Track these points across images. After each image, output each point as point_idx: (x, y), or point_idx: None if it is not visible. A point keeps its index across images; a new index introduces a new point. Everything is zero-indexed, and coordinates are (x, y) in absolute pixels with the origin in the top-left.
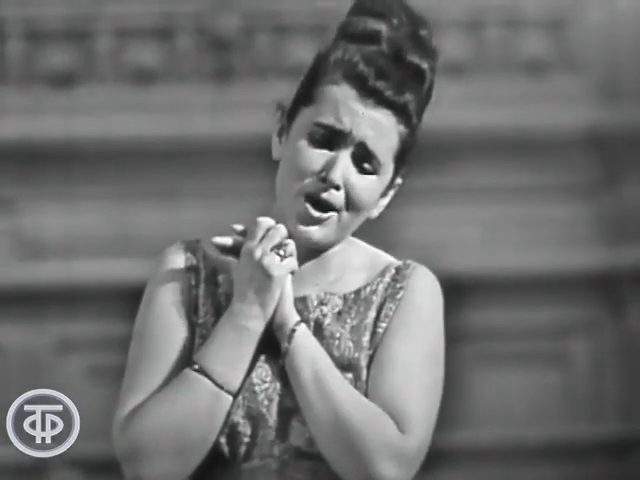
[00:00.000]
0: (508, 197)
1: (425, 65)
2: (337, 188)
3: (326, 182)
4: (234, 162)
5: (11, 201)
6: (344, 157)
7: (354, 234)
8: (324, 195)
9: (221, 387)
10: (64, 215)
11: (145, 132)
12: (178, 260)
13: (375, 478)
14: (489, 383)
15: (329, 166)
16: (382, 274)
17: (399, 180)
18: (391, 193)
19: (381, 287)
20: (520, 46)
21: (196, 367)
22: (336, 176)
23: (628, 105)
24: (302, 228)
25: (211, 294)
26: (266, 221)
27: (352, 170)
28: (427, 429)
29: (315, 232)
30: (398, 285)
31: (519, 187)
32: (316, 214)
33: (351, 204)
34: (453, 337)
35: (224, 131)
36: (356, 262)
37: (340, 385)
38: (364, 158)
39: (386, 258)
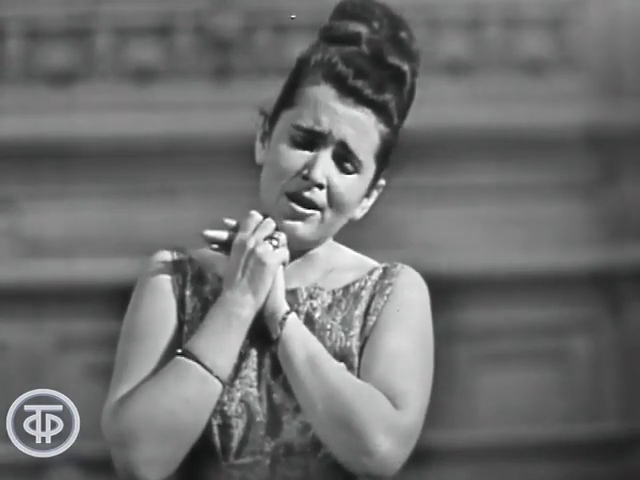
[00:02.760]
0: (508, 196)
1: (405, 67)
2: (320, 187)
3: (308, 180)
4: (233, 160)
5: (10, 200)
6: (325, 156)
7: (343, 238)
8: (307, 194)
9: (210, 371)
10: (63, 214)
11: (144, 130)
12: (165, 262)
13: (370, 451)
14: (489, 382)
15: (310, 165)
16: (370, 273)
17: (382, 181)
18: (374, 194)
19: (369, 284)
20: (520, 45)
21: (186, 353)
22: (317, 174)
23: (628, 104)
24: (287, 223)
25: (198, 292)
26: (258, 214)
27: (333, 169)
28: (421, 407)
29: (299, 227)
30: (386, 281)
31: (518, 186)
32: (299, 210)
33: (334, 203)
34: (453, 336)
35: (223, 130)
36: (343, 264)
37: (333, 366)
38: (345, 157)
39: (372, 261)
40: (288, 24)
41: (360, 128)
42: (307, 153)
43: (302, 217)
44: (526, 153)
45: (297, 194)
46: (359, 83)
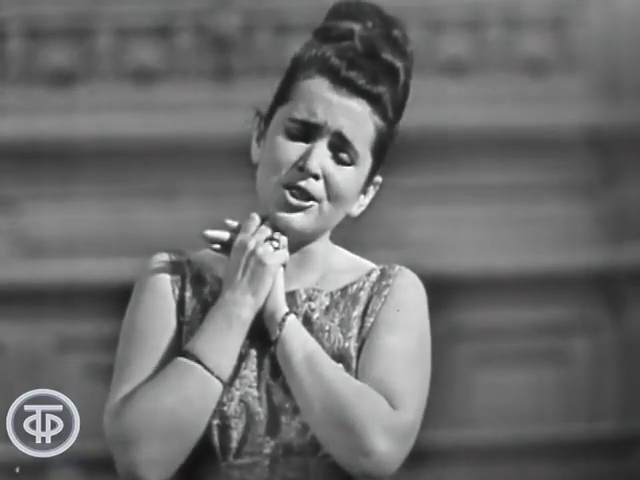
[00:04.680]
0: (508, 196)
1: (398, 64)
2: (316, 177)
3: (304, 171)
4: (234, 161)
5: (11, 200)
6: (320, 147)
7: (342, 237)
8: (302, 183)
9: (211, 372)
10: (64, 214)
11: (145, 131)
12: (164, 264)
13: (368, 452)
14: (489, 382)
15: (306, 156)
16: (368, 275)
17: (379, 178)
18: (371, 190)
19: (367, 285)
20: (521, 46)
21: (187, 354)
22: (313, 164)
23: (628, 104)
24: (283, 215)
25: (198, 294)
26: (259, 216)
27: (329, 160)
28: (418, 407)
29: (296, 219)
30: (384, 283)
31: (519, 186)
32: (295, 202)
33: (331, 195)
34: (453, 336)
35: (224, 130)
36: (340, 265)
37: (331, 367)
38: (341, 147)
39: (369, 263)
40: (288, 24)
41: (355, 118)
42: (303, 145)
43: (298, 209)
44: (526, 153)
45: (293, 185)
46: (352, 74)
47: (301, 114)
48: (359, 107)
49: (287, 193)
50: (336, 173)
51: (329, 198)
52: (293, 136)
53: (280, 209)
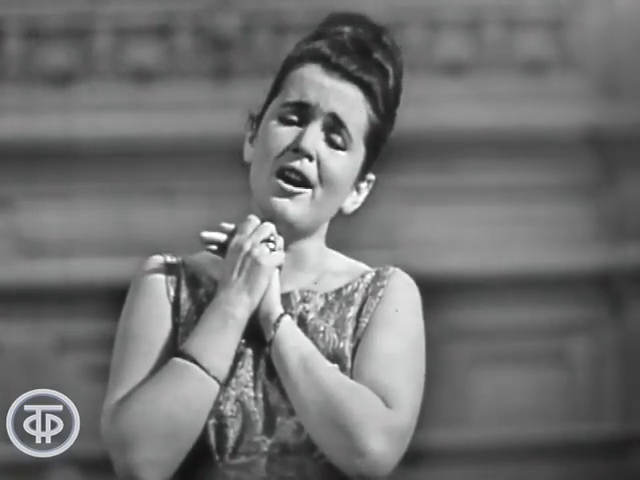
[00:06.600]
0: (507, 196)
1: (388, 66)
2: (309, 158)
3: (298, 152)
4: (233, 161)
5: (9, 200)
6: (314, 128)
7: (341, 237)
8: (296, 164)
9: (207, 372)
10: (62, 214)
11: (144, 131)
12: (158, 266)
13: (363, 452)
14: (488, 382)
15: (300, 137)
16: (362, 276)
17: (372, 176)
18: (365, 188)
19: (362, 286)
20: (519, 46)
21: (183, 354)
22: (307, 145)
23: (627, 104)
24: (276, 200)
25: (193, 295)
26: (256, 218)
27: (323, 144)
28: (414, 407)
29: (289, 205)
30: (378, 284)
31: (518, 186)
32: (289, 187)
33: (324, 179)
34: (452, 336)
35: (223, 130)
36: (335, 268)
37: (325, 367)
38: (334, 129)
39: (364, 266)
40: (287, 24)
41: (348, 102)
42: (296, 128)
43: (292, 195)
44: (526, 153)
45: (287, 167)
46: (344, 60)
47: (293, 97)
48: (352, 92)
49: (281, 181)
50: (329, 157)
51: (322, 182)
52: (287, 121)
53: (275, 195)
